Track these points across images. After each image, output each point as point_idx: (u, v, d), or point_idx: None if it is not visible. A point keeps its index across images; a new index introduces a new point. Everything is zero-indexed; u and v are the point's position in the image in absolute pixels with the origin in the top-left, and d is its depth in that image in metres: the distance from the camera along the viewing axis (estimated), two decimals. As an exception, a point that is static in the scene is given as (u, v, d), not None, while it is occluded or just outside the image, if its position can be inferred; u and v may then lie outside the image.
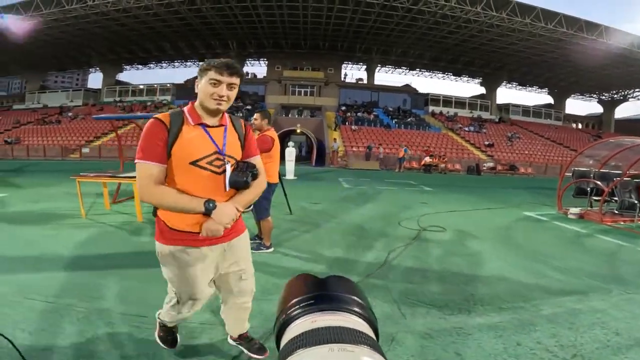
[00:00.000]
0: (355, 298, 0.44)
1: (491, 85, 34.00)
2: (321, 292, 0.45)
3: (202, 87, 1.35)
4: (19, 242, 3.83)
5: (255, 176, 1.43)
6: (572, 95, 37.40)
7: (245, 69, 33.16)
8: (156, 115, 1.36)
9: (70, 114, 28.33)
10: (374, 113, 28.23)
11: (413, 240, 4.30)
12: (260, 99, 29.94)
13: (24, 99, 33.94)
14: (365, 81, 32.78)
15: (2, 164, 15.20)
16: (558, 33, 21.85)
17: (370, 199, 7.49)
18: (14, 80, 48.59)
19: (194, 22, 24.04)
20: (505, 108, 34.34)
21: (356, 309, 0.42)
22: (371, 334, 0.39)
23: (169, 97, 30.97)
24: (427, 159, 18.72)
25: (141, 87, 32.59)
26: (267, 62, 31.52)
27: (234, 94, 1.38)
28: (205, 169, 1.35)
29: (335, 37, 27.00)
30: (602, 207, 6.35)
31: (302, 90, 29.89)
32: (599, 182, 6.84)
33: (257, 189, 1.47)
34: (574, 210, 6.62)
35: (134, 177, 4.93)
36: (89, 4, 19.79)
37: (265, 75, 31.43)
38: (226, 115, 1.47)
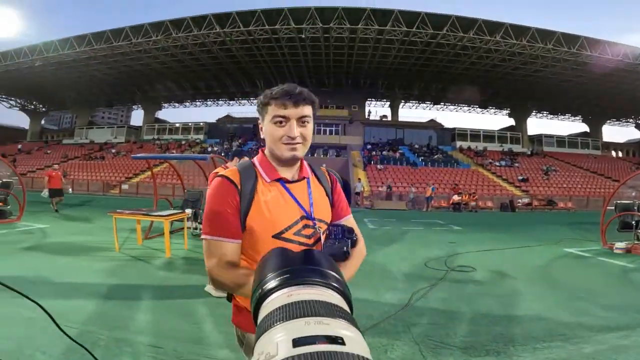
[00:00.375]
0: (331, 272, 0.44)
1: (520, 116, 33.24)
2: (296, 265, 0.45)
3: (267, 130, 1.01)
4: (56, 271, 4.09)
5: (354, 243, 1.05)
6: (608, 122, 35.70)
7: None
8: (223, 172, 1.03)
9: (113, 150, 30.56)
10: (399, 151, 28.19)
11: (439, 281, 4.09)
12: (288, 137, 30.96)
13: (73, 134, 36.91)
14: (389, 118, 33.18)
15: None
16: (582, 56, 21.36)
17: (395, 239, 7.25)
18: (65, 114, 52.79)
19: (224, 61, 25.95)
20: (538, 139, 33.16)
21: (332, 283, 0.42)
22: (346, 307, 0.38)
23: (201, 136, 32.77)
24: (456, 197, 18.16)
25: (177, 125, 34.78)
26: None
27: (309, 130, 1.02)
28: (292, 241, 1.00)
29: (357, 74, 27.96)
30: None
31: (327, 129, 30.59)
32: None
33: (358, 259, 1.07)
34: (620, 244, 6.21)
35: (165, 215, 5.29)
36: (133, 42, 21.99)
37: (291, 113, 32.75)
38: (305, 164, 1.13)
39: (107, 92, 33.73)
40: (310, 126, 1.02)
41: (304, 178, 1.08)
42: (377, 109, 37.12)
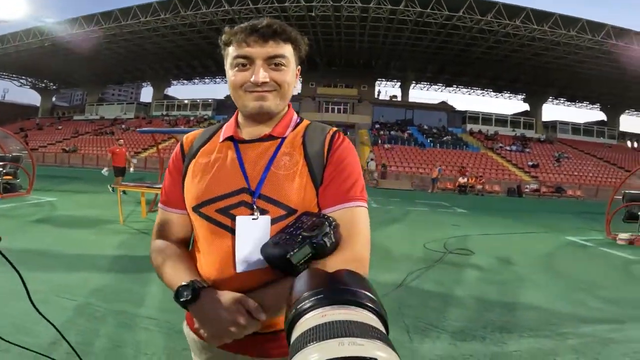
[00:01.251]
0: (366, 292, 0.42)
1: (536, 102, 32.32)
2: (331, 285, 0.44)
3: (227, 77, 0.77)
4: (62, 244, 4.20)
5: (320, 249, 0.64)
6: (627, 111, 34.54)
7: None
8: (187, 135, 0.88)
9: (123, 126, 30.77)
10: (408, 131, 27.79)
11: (436, 263, 4.10)
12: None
13: (83, 110, 37.34)
14: (399, 98, 32.54)
15: (59, 171, 16.79)
16: (607, 45, 20.57)
17: (397, 220, 7.28)
18: (76, 92, 53.03)
19: (234, 38, 25.53)
20: (552, 126, 32.31)
21: (367, 303, 0.40)
22: (382, 328, 0.37)
23: (210, 112, 32.70)
24: (461, 179, 17.97)
25: (186, 102, 34.74)
26: (301, 79, 32.35)
27: (286, 75, 0.76)
28: (210, 220, 0.75)
29: (369, 54, 27.29)
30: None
31: (336, 107, 30.26)
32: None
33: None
34: (624, 235, 6.10)
35: None
36: (142, 20, 21.80)
37: (299, 92, 32.32)
38: (294, 120, 0.84)
39: (117, 69, 33.68)
40: (288, 70, 0.76)
41: (272, 138, 0.78)
42: (387, 89, 36.23)
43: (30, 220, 5.64)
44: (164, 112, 34.03)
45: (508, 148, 26.31)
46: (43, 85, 38.06)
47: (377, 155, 22.59)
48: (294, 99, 31.54)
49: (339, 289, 0.42)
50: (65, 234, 4.80)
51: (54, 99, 44.95)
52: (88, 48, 25.80)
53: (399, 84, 33.23)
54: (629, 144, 34.28)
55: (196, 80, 37.43)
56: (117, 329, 2.19)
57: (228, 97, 32.37)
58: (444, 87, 34.27)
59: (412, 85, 33.18)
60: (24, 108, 41.80)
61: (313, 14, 20.33)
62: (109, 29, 22.75)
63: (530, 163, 23.66)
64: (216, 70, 33.66)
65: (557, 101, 34.84)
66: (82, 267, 3.36)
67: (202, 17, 21.23)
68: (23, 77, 35.89)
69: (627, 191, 6.99)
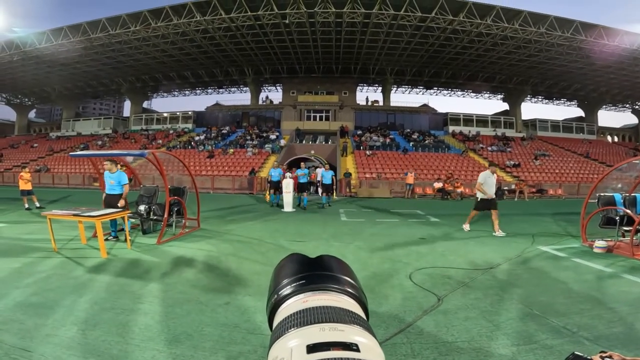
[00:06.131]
0: (347, 278, 0.44)
1: (514, 101, 32.73)
2: (312, 271, 0.44)
3: None
4: None
5: None
6: (604, 107, 35.30)
7: (262, 94, 34.05)
8: None
9: (99, 142, 29.88)
10: (389, 136, 27.62)
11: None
12: (277, 124, 30.33)
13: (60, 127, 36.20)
14: (381, 103, 32.51)
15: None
16: (577, 41, 20.91)
17: (360, 237, 6.62)
18: (56, 107, 51.21)
19: (209, 49, 25.09)
20: (532, 124, 32.71)
21: (347, 289, 0.42)
22: (361, 313, 0.39)
23: (190, 125, 32.10)
24: (436, 184, 17.72)
25: (165, 115, 34.05)
26: (282, 88, 32.14)
27: None
28: None
29: (347, 60, 27.21)
30: (634, 239, 5.41)
31: (317, 115, 30.04)
32: (628, 210, 5.91)
33: None
34: (601, 243, 5.62)
35: (97, 215, 4.90)
36: (111, 33, 21.17)
37: (280, 100, 32.00)
38: None
39: (92, 84, 32.97)
40: None
41: None
42: (368, 94, 36.36)
43: None
44: (144, 127, 33.29)
45: (489, 148, 26.35)
46: (18, 100, 36.89)
47: (358, 162, 22.28)
48: (276, 107, 31.62)
49: (320, 275, 0.43)
50: None
51: (32, 114, 43.68)
52: (58, 62, 25.09)
53: (380, 88, 33.24)
54: (609, 138, 34.94)
55: (176, 93, 36.81)
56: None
57: (208, 108, 32.34)
58: (424, 90, 34.44)
59: (394, 89, 33.23)
60: (1, 125, 40.39)
61: (287, 21, 20.10)
62: (79, 42, 22.07)
63: (511, 163, 23.66)
64: (195, 82, 33.15)
65: (535, 99, 35.35)
66: None
67: (175, 28, 20.77)
68: None
69: (601, 194, 6.61)
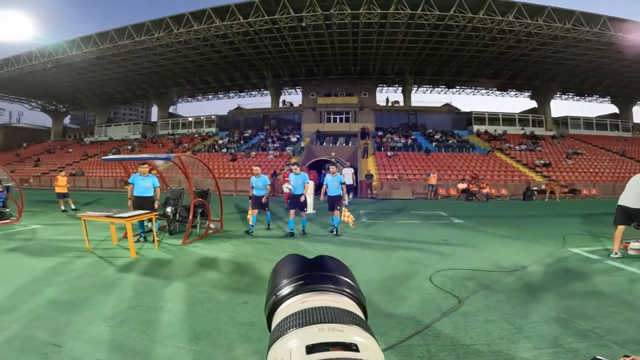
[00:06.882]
0: (345, 278, 0.44)
1: (543, 98, 31.38)
2: (310, 272, 0.44)
3: None
4: (16, 272, 4.25)
5: None
6: (639, 102, 33.16)
7: (282, 97, 34.46)
8: None
9: (129, 147, 31.25)
10: (411, 137, 27.19)
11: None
12: (297, 126, 30.58)
13: (94, 132, 38.15)
14: (402, 103, 32.08)
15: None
16: (606, 36, 19.84)
17: (378, 238, 6.59)
18: (89, 113, 53.17)
19: (229, 54, 25.70)
20: (563, 122, 31.23)
21: (345, 289, 0.42)
22: (360, 313, 0.39)
23: (213, 129, 32.96)
24: (460, 185, 17.23)
25: (190, 119, 35.13)
26: (301, 90, 32.39)
27: None
28: None
29: (365, 61, 27.04)
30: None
31: (337, 116, 30.04)
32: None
33: None
34: (636, 245, 5.25)
35: (127, 217, 5.15)
36: (137, 40, 22.13)
37: (300, 103, 32.25)
38: None
39: (120, 90, 34.42)
40: None
41: None
42: (388, 95, 35.95)
43: (1, 248, 5.63)
44: (170, 131, 34.49)
45: (517, 148, 25.40)
46: (53, 107, 39.06)
47: (379, 163, 22.08)
48: (296, 110, 31.88)
49: (318, 275, 0.43)
50: (26, 262, 4.78)
51: (67, 120, 46.20)
52: (87, 68, 26.45)
53: (400, 89, 32.81)
54: (645, 135, 32.76)
55: (199, 97, 37.90)
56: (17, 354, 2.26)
57: (230, 112, 33.00)
58: (446, 89, 33.66)
59: (414, 89, 32.71)
60: (37, 131, 42.81)
61: (304, 24, 20.28)
62: (107, 49, 23.18)
63: (541, 162, 22.69)
64: (217, 86, 34.02)
65: (565, 96, 33.73)
66: (25, 297, 3.37)
67: (195, 34, 21.45)
68: (33, 100, 36.74)
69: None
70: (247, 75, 30.80)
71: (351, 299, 0.40)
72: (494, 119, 30.29)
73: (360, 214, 10.40)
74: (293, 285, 0.41)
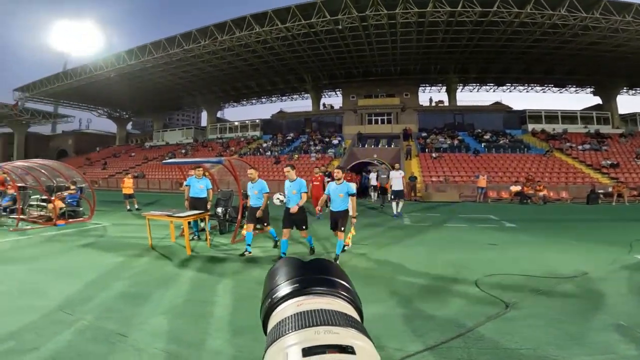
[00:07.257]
0: (340, 281, 0.44)
1: (608, 94, 28.42)
2: (306, 275, 0.44)
3: None
4: (88, 266, 4.78)
5: None
6: None
7: (322, 100, 34.83)
8: None
9: (183, 151, 33.51)
10: (458, 137, 26.04)
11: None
12: (338, 129, 30.73)
13: (152, 137, 41.52)
14: (446, 103, 30.85)
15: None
16: None
17: (422, 241, 6.47)
18: (148, 120, 56.96)
19: (270, 59, 26.56)
20: (632, 119, 28.04)
21: (341, 292, 0.42)
22: (356, 316, 0.39)
23: (258, 133, 34.27)
24: (513, 188, 16.14)
25: (236, 123, 36.86)
26: (341, 92, 32.47)
27: None
28: None
29: (405, 61, 26.40)
30: None
31: (379, 118, 29.64)
32: None
33: None
34: None
35: (184, 216, 5.62)
36: (186, 48, 23.74)
37: (341, 105, 32.35)
38: None
39: (173, 96, 36.99)
40: None
41: None
42: (431, 95, 34.88)
43: (76, 244, 6.31)
44: (218, 135, 36.43)
45: (580, 147, 23.23)
46: (117, 114, 42.97)
47: (424, 165, 21.46)
48: (337, 112, 32.04)
49: (314, 278, 0.43)
50: (96, 257, 5.38)
51: (129, 126, 50.71)
52: (144, 77, 28.80)
53: (444, 88, 31.59)
54: None
55: (244, 102, 39.61)
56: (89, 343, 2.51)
57: (273, 116, 34.01)
58: (495, 87, 31.76)
59: (460, 88, 31.29)
60: (104, 137, 47.49)
61: (340, 26, 20.40)
62: (160, 58, 25.09)
63: (607, 162, 20.54)
64: (259, 91, 35.27)
65: (633, 91, 30.21)
66: (95, 287, 3.84)
67: (238, 40, 22.49)
68: (100, 108, 40.57)
69: None
70: (288, 80, 31.59)
71: (347, 301, 0.40)
72: (551, 117, 27.98)
73: (403, 215, 10.25)
74: (289, 287, 0.41)
